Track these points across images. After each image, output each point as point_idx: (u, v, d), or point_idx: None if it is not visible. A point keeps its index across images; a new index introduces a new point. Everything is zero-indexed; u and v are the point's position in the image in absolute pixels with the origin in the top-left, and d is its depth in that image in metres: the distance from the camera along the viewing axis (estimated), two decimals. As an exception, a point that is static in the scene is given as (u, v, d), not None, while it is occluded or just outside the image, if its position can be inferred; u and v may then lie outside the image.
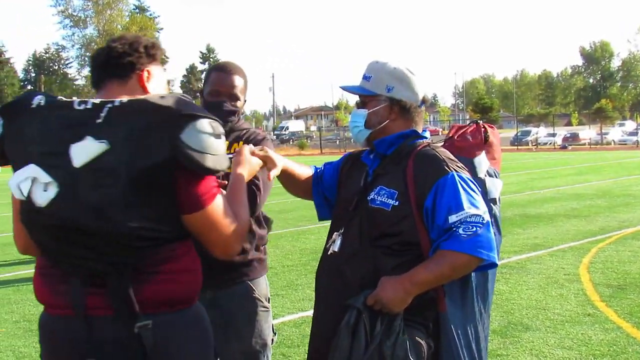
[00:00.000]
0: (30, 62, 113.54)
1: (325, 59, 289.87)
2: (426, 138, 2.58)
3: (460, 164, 2.46)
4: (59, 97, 2.00)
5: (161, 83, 2.20)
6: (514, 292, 6.88)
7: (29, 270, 8.86)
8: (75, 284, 1.90)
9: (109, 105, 1.89)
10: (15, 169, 1.92)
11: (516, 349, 5.20)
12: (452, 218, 2.30)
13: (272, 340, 3.13)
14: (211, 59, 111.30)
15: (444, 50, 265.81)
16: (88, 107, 1.91)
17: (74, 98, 1.96)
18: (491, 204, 2.58)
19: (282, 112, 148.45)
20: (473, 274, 2.46)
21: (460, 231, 2.28)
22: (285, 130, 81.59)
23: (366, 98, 2.57)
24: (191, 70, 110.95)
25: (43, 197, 1.84)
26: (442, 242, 2.32)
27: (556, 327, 5.68)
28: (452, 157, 2.47)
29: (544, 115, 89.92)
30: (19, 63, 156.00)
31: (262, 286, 3.11)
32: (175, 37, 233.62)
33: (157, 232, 1.90)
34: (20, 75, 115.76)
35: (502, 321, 5.87)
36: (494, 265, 2.38)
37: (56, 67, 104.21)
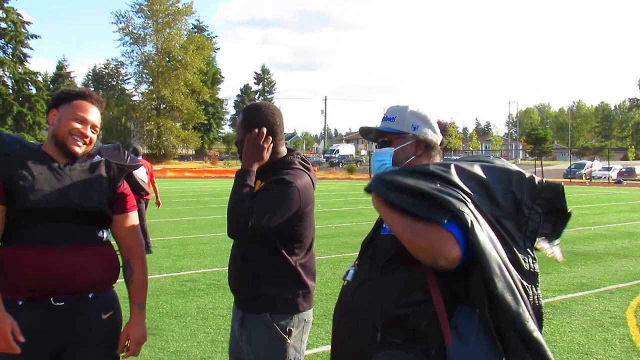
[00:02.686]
0: (90, 76, 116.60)
1: (377, 84, 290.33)
2: None
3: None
4: None
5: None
6: (556, 334, 6.67)
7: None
8: None
9: None
10: None
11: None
12: None
13: None
14: (265, 80, 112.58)
15: (498, 78, 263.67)
16: None
17: None
18: None
19: (333, 135, 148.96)
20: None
21: None
22: (335, 154, 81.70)
23: (392, 136, 2.70)
24: (245, 90, 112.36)
25: None
26: None
27: (598, 374, 5.47)
28: None
29: (599, 148, 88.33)
30: (79, 77, 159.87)
31: (285, 320, 3.11)
32: (231, 57, 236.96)
33: None
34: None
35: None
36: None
37: (114, 83, 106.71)
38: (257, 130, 3.09)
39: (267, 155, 3.11)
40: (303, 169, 3.17)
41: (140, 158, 12.18)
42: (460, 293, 2.34)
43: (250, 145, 3.10)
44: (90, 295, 2.84)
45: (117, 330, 2.96)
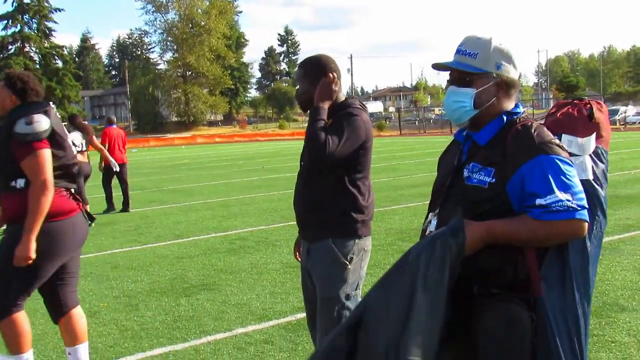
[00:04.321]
0: (115, 47, 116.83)
1: (404, 38, 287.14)
2: (520, 113, 2.50)
3: (557, 144, 2.36)
4: None
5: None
6: (608, 272, 6.73)
7: (126, 249, 9.21)
8: None
9: None
10: None
11: (612, 329, 5.11)
12: (540, 202, 2.25)
13: (350, 296, 3.44)
14: (289, 41, 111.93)
15: (526, 26, 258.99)
16: None
17: None
18: (596, 186, 2.50)
19: (360, 93, 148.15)
20: (571, 258, 2.36)
21: (552, 208, 2.23)
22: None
23: (473, 76, 2.44)
24: (270, 52, 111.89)
25: None
26: (527, 209, 2.28)
27: (654, 308, 5.54)
28: (549, 136, 2.37)
29: (632, 93, 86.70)
30: (103, 49, 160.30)
31: (347, 246, 3.44)
32: (253, 19, 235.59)
33: None
34: (105, 60, 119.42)
35: (597, 302, 5.76)
36: (588, 226, 2.29)
37: (139, 52, 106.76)
38: (330, 75, 3.42)
39: (334, 97, 3.44)
40: (362, 108, 3.52)
41: (113, 126, 13.85)
42: None
43: (324, 86, 3.40)
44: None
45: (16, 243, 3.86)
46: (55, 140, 4.00)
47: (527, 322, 2.30)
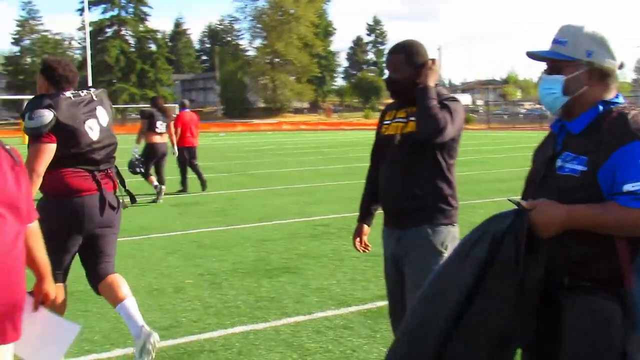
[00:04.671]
0: (206, 33, 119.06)
1: (494, 31, 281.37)
2: (620, 103, 2.44)
3: None
4: None
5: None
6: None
7: (212, 229, 9.44)
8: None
9: None
10: None
11: None
12: (628, 187, 2.22)
13: None
14: (377, 31, 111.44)
15: (625, 21, 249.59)
16: None
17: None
18: None
19: (448, 86, 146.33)
20: None
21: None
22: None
23: (562, 63, 2.46)
24: (357, 42, 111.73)
25: None
26: (615, 196, 2.25)
27: None
28: None
29: None
30: (195, 34, 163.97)
31: (442, 234, 3.46)
32: (342, 8, 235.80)
33: None
34: (196, 45, 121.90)
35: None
36: None
37: (229, 39, 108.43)
38: (432, 60, 3.49)
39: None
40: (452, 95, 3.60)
41: (186, 110, 14.24)
42: None
43: (432, 69, 3.45)
44: None
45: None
46: (63, 131, 4.12)
47: (620, 318, 2.24)
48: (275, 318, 5.47)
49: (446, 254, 3.40)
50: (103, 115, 4.44)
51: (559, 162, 2.42)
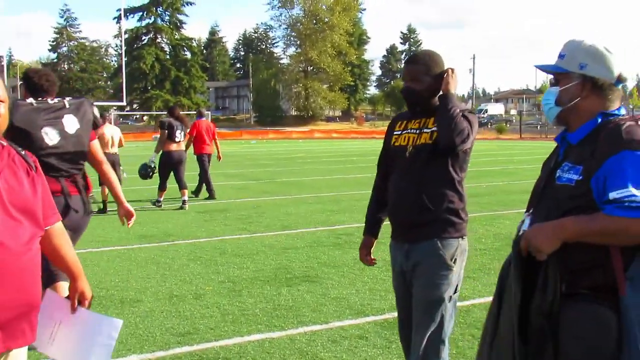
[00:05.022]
0: (241, 41, 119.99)
1: (529, 39, 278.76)
2: (621, 115, 2.49)
3: None
4: None
5: None
6: None
7: (235, 236, 9.49)
8: None
9: None
10: None
11: None
12: (612, 195, 2.27)
13: (452, 298, 3.43)
14: (412, 40, 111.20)
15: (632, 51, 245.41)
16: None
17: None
18: None
19: (481, 95, 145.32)
20: None
21: (625, 204, 2.24)
22: (483, 114, 79.82)
23: (559, 75, 2.59)
24: (391, 50, 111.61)
25: None
26: (602, 205, 2.32)
27: None
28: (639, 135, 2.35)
29: None
30: (230, 42, 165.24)
31: (452, 247, 3.42)
32: (377, 17, 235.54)
33: None
34: (231, 53, 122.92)
35: None
36: None
37: (263, 47, 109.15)
38: (451, 70, 3.48)
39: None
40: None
41: (203, 119, 14.58)
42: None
43: (453, 78, 3.43)
44: None
45: None
46: (17, 134, 4.10)
47: (615, 324, 2.31)
48: (291, 327, 5.48)
49: (455, 268, 3.40)
50: (72, 123, 4.61)
51: (558, 172, 2.50)
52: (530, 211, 2.63)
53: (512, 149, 38.35)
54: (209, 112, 64.06)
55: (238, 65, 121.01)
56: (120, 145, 12.63)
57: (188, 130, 13.40)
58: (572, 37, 2.66)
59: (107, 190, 12.32)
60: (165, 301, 6.21)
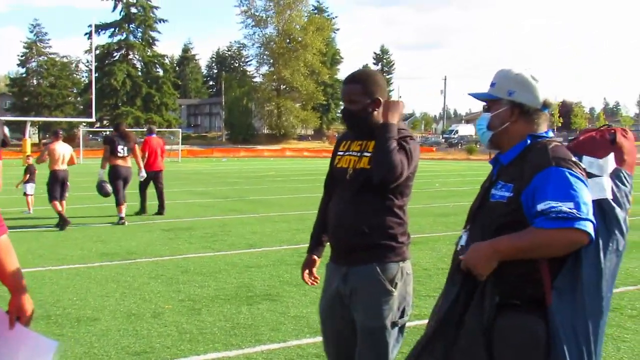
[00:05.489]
0: (214, 59, 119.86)
1: (500, 63, 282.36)
2: (548, 137, 2.70)
3: (572, 160, 2.55)
4: None
5: None
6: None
7: (199, 254, 9.43)
8: None
9: None
10: None
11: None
12: (540, 207, 2.43)
13: (396, 324, 3.30)
14: (384, 60, 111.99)
15: (629, 55, 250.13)
16: None
17: None
18: (614, 205, 2.60)
19: (452, 116, 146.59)
20: (584, 272, 2.50)
21: (551, 215, 2.40)
22: (454, 134, 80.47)
23: (490, 102, 2.80)
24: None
25: None
26: (531, 220, 2.48)
27: None
28: (564, 154, 2.57)
29: None
30: (203, 60, 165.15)
31: (392, 271, 3.31)
32: (350, 37, 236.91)
33: None
34: (204, 71, 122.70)
35: (666, 344, 5.52)
36: (587, 237, 2.40)
37: (236, 65, 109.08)
38: (399, 102, 3.32)
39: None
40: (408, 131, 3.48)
41: (153, 135, 15.02)
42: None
43: (395, 105, 3.29)
44: None
45: None
46: None
47: (543, 333, 2.49)
48: (249, 345, 5.46)
49: (396, 292, 3.29)
50: None
51: (492, 191, 2.68)
52: (467, 227, 2.78)
53: (481, 169, 38.60)
54: (180, 129, 63.90)
55: (211, 82, 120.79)
56: (71, 162, 12.84)
57: (134, 144, 13.57)
58: (508, 65, 2.90)
59: (62, 204, 12.34)
60: (122, 320, 6.15)
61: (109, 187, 12.83)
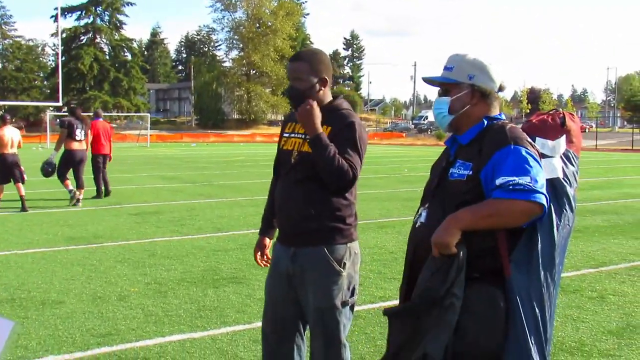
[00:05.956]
0: (183, 43, 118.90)
1: (470, 47, 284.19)
2: (502, 119, 2.84)
3: (527, 140, 2.70)
4: None
5: None
6: (639, 294, 6.60)
7: (167, 238, 9.43)
8: None
9: None
10: None
11: (631, 350, 5.02)
12: (498, 181, 2.57)
13: (347, 303, 3.34)
14: (354, 46, 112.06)
15: (596, 43, 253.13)
16: None
17: None
18: (565, 183, 2.78)
19: (422, 102, 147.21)
20: (540, 242, 2.66)
21: (509, 187, 2.55)
22: (424, 120, 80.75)
23: (449, 86, 2.86)
24: (334, 56, 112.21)
25: None
26: (490, 192, 2.62)
27: (680, 334, 5.42)
28: (520, 134, 2.71)
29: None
30: (172, 44, 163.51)
31: (340, 252, 3.31)
32: (321, 22, 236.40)
33: None
34: (173, 55, 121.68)
35: (621, 322, 5.67)
36: (541, 208, 2.55)
37: (206, 49, 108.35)
38: (310, 104, 3.22)
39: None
40: (352, 109, 3.46)
41: (100, 119, 14.90)
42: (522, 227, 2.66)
43: (308, 112, 3.20)
44: None
45: None
46: None
47: (503, 302, 2.64)
48: (214, 327, 5.51)
49: (345, 272, 3.31)
50: None
51: (451, 170, 2.78)
52: (426, 205, 2.85)
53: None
54: (149, 114, 63.35)
55: (180, 67, 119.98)
56: (19, 146, 13.03)
57: (87, 129, 14.00)
58: (461, 51, 2.95)
59: (22, 189, 12.38)
60: (88, 302, 6.15)
61: (51, 171, 13.26)
